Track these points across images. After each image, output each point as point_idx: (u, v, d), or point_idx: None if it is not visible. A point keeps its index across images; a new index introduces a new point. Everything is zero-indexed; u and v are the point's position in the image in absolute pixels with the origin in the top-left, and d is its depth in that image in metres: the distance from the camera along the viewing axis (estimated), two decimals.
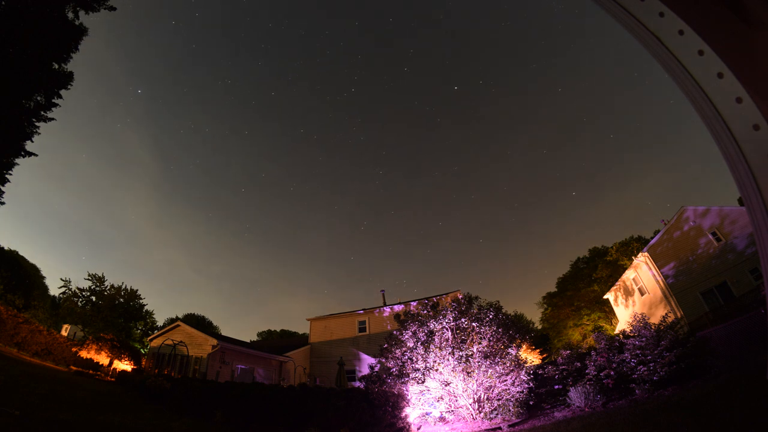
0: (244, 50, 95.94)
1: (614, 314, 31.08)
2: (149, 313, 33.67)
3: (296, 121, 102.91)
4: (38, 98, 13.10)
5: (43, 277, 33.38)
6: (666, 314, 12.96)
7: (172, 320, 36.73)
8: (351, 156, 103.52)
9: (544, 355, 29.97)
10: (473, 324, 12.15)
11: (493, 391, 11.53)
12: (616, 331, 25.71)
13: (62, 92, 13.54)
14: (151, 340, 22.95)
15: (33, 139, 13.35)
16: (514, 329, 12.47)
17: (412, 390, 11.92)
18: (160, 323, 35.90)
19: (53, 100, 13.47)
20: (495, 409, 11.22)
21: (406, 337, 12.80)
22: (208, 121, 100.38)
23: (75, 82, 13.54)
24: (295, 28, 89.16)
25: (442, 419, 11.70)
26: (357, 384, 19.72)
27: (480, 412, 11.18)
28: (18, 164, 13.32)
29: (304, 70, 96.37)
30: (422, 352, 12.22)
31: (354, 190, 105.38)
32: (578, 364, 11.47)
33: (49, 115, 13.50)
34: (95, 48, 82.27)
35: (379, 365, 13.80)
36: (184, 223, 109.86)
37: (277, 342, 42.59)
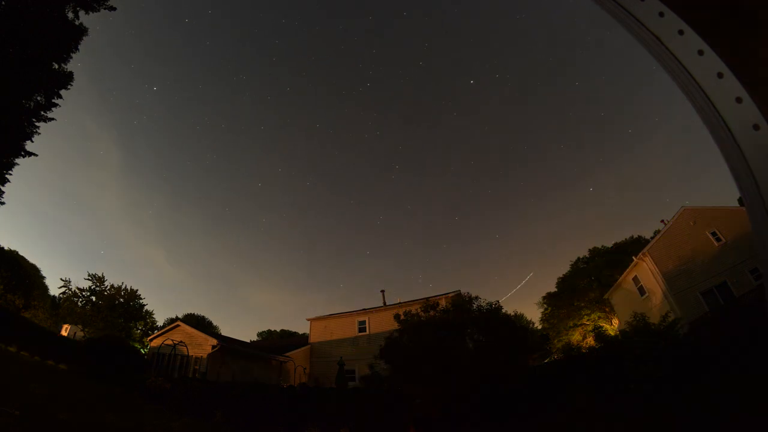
0: (258, 47, 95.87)
1: (614, 314, 31.06)
2: (149, 313, 33.65)
3: (312, 116, 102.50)
4: (38, 98, 13.10)
5: (43, 277, 33.34)
6: (666, 314, 12.95)
7: (172, 320, 36.69)
8: (367, 151, 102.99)
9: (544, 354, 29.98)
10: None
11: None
12: (616, 331, 25.70)
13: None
14: (151, 340, 22.96)
15: (33, 139, 13.36)
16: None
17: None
18: (160, 323, 35.87)
19: (53, 100, 13.47)
20: None
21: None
22: (222, 118, 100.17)
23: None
24: (308, 23, 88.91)
25: (441, 419, 11.68)
26: (357, 384, 19.71)
27: None
28: (18, 164, 13.33)
29: (318, 66, 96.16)
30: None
31: (369, 185, 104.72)
32: (578, 363, 11.48)
33: (49, 115, 13.50)
34: (109, 45, 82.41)
35: (378, 365, 13.80)
36: (188, 221, 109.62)
37: (277, 342, 42.59)
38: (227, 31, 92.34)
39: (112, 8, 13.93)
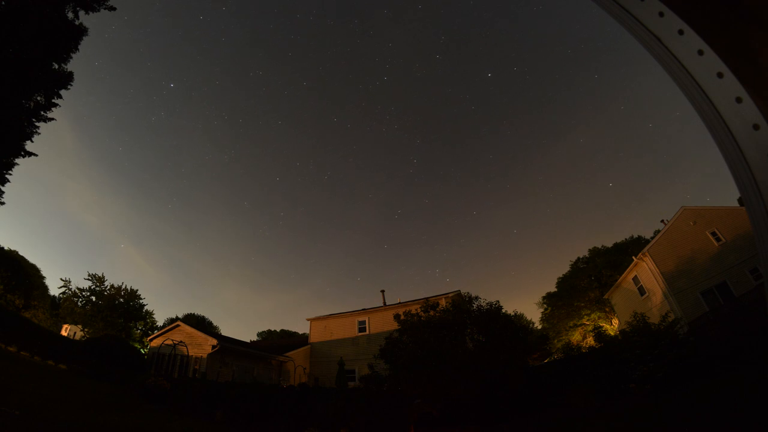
0: (273, 42, 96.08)
1: (614, 314, 31.07)
2: (149, 313, 33.66)
3: (328, 111, 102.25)
4: (38, 98, 13.11)
5: (43, 277, 33.34)
6: (666, 314, 12.95)
7: (172, 320, 36.72)
8: (384, 145, 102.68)
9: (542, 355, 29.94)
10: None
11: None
12: (616, 331, 25.70)
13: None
14: (151, 340, 22.95)
15: (33, 139, 13.36)
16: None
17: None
18: (160, 323, 35.90)
19: (53, 100, 13.47)
20: None
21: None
22: (239, 113, 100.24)
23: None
24: (323, 18, 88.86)
25: (441, 419, 11.68)
26: (357, 384, 19.72)
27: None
28: (18, 164, 13.34)
29: (334, 60, 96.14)
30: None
31: (385, 179, 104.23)
32: (578, 363, 11.48)
33: (49, 115, 13.51)
34: (124, 43, 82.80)
35: (378, 365, 13.81)
36: (190, 220, 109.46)
37: (277, 342, 42.59)
38: (242, 27, 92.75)
39: (112, 8, 13.92)
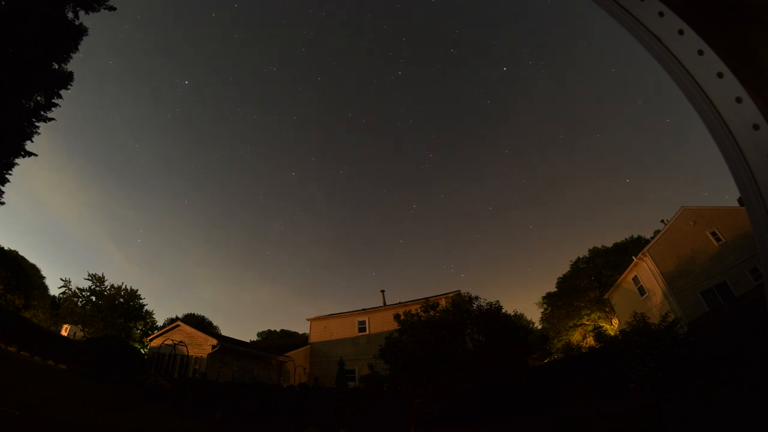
0: (286, 38, 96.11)
1: (614, 314, 31.08)
2: (149, 313, 33.66)
3: (343, 107, 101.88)
4: (38, 98, 13.12)
5: (43, 277, 33.35)
6: (666, 314, 12.96)
7: (172, 320, 36.70)
8: (399, 141, 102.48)
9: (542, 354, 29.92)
10: None
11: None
12: (616, 331, 25.69)
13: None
14: (151, 340, 22.96)
15: (33, 139, 13.37)
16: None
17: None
18: (160, 323, 35.89)
19: (53, 100, 13.48)
20: None
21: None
22: (253, 109, 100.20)
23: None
24: (336, 13, 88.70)
25: (441, 419, 11.69)
26: (357, 384, 19.72)
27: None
28: (18, 164, 13.34)
29: (348, 55, 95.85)
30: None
31: (401, 174, 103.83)
32: (578, 363, 11.49)
33: (49, 115, 13.52)
34: (136, 42, 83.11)
35: (378, 365, 13.81)
36: (192, 220, 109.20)
37: (277, 342, 42.61)
38: (254, 23, 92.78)
39: (112, 8, 13.93)
